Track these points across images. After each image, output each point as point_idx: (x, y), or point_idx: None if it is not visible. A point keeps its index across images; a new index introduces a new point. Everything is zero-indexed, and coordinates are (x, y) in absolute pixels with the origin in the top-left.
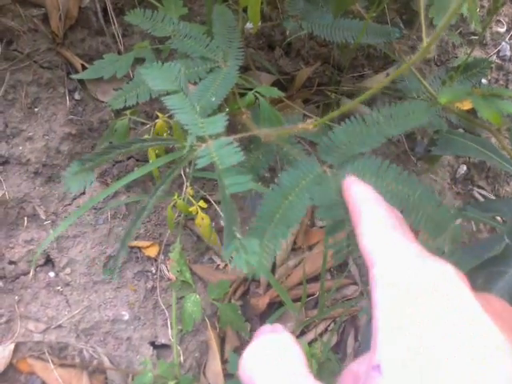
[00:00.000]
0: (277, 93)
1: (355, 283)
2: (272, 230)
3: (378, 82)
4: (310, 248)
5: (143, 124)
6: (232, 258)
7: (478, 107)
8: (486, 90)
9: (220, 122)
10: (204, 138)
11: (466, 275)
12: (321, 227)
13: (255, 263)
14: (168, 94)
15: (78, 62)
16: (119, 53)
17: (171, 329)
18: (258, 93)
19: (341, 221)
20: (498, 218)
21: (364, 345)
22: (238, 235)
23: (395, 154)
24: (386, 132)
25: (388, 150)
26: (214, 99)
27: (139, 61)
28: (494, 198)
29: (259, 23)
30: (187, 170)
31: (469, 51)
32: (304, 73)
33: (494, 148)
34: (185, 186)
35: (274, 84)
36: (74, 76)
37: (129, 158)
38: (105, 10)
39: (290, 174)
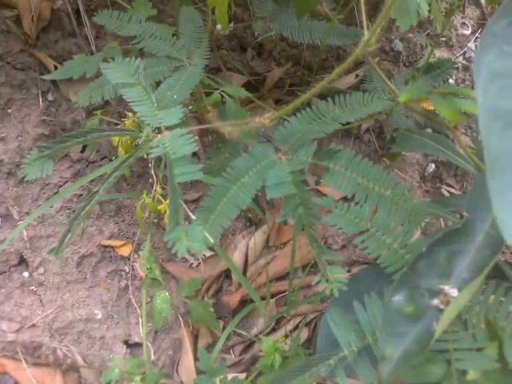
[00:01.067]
0: (244, 93)
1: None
2: (221, 208)
3: (347, 83)
4: (282, 246)
5: (116, 124)
6: (174, 243)
7: (437, 105)
8: (446, 88)
9: (176, 113)
10: (161, 129)
11: (428, 251)
12: (293, 225)
13: (197, 249)
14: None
15: (50, 64)
16: (92, 54)
17: (142, 326)
18: (225, 92)
19: (292, 194)
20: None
21: (320, 343)
22: (182, 223)
23: (366, 153)
24: (340, 119)
25: (359, 150)
26: (176, 97)
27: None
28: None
29: (231, 24)
30: (159, 169)
31: (436, 52)
32: (275, 73)
33: (449, 145)
34: (154, 185)
35: (245, 84)
36: (44, 77)
37: (102, 159)
38: (77, 12)
39: (245, 159)
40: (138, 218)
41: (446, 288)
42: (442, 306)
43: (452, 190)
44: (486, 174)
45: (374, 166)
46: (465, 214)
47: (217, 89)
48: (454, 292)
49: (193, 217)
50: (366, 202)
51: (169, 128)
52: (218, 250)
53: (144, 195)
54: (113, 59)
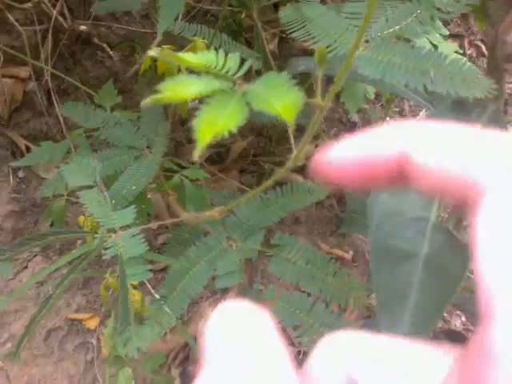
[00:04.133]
0: (202, 175)
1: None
2: (174, 297)
3: (308, 152)
4: None
5: (83, 204)
6: (125, 344)
7: None
8: None
9: (129, 214)
10: (114, 229)
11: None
12: (260, 290)
13: (146, 349)
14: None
15: (22, 143)
16: (62, 132)
17: None
18: (185, 175)
19: (240, 283)
20: None
21: None
22: (132, 323)
23: (328, 218)
24: (286, 207)
25: (321, 214)
26: (134, 188)
27: (76, 146)
28: None
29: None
30: None
31: (390, 121)
32: (239, 145)
33: None
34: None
35: (210, 156)
36: (12, 164)
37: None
38: (49, 93)
39: (198, 248)
40: (102, 297)
41: None
42: None
43: None
44: (376, 310)
45: (319, 253)
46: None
47: (177, 171)
48: None
49: (156, 295)
50: (309, 290)
51: (123, 227)
52: (178, 326)
53: (108, 274)
54: (76, 149)
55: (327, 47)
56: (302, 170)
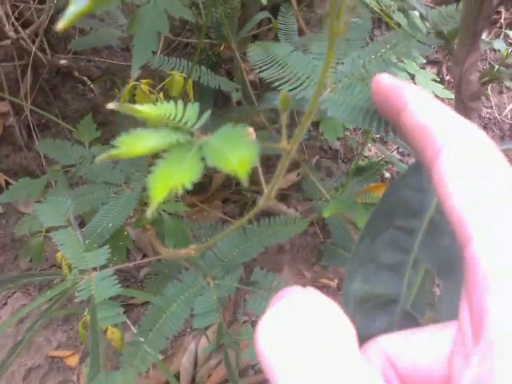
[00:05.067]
0: (181, 208)
1: None
2: (151, 338)
3: (289, 180)
4: None
5: None
6: None
7: (357, 218)
8: (367, 197)
9: (102, 255)
10: (87, 270)
11: None
12: (243, 322)
13: None
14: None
15: (1, 178)
16: (42, 166)
17: None
18: (164, 210)
19: (218, 323)
20: None
21: None
22: (102, 370)
23: (312, 245)
24: (264, 242)
25: (305, 242)
26: (111, 225)
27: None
28: None
29: None
30: None
31: (372, 148)
32: (221, 175)
33: None
34: None
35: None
36: None
37: (51, 267)
38: (29, 127)
39: (175, 286)
40: (81, 335)
41: None
42: None
43: None
44: None
45: None
46: None
47: None
48: None
49: (140, 339)
50: None
51: (96, 269)
52: (158, 363)
53: (86, 312)
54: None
55: (295, 89)
56: (285, 198)
